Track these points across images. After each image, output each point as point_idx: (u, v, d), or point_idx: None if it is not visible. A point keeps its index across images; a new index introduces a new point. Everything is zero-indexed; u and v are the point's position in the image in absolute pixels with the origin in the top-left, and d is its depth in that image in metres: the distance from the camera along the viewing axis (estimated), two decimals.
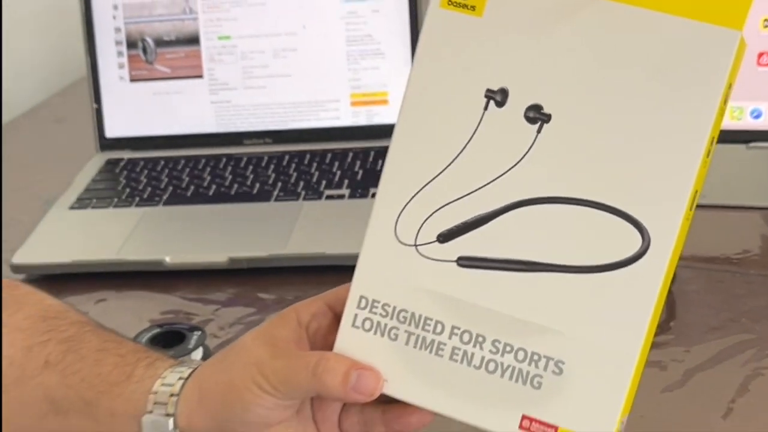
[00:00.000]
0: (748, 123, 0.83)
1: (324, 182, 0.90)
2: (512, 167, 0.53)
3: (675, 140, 0.51)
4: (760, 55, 0.83)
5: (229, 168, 0.95)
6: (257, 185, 0.92)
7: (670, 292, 0.53)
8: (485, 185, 0.53)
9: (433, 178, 0.54)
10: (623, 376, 0.51)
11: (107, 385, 0.61)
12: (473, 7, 0.53)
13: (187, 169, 0.96)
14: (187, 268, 0.82)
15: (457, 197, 0.54)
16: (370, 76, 0.95)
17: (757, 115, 0.84)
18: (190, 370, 0.60)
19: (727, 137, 0.83)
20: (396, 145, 0.54)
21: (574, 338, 0.52)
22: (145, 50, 1.00)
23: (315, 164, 0.93)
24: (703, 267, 0.78)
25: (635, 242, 0.51)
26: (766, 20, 0.83)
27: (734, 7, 0.50)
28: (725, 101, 0.50)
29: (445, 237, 0.54)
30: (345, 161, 0.92)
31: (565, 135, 0.52)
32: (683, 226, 0.50)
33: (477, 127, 0.53)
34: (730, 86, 0.50)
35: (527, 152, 0.52)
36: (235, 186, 0.92)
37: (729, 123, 0.83)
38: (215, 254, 0.82)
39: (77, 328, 0.65)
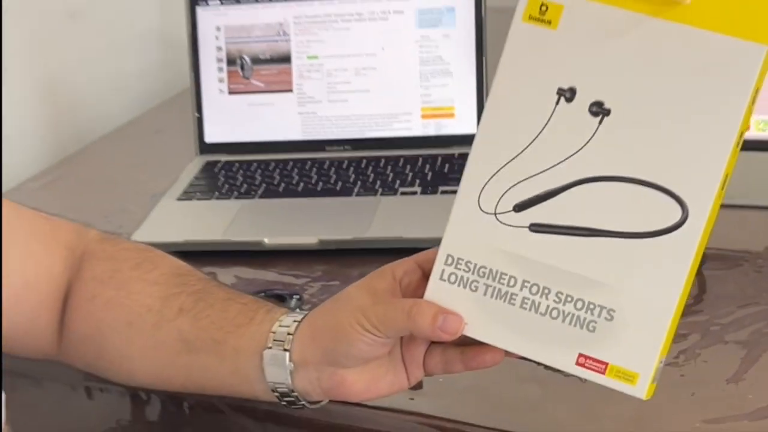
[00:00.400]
0: None
1: (398, 181, 1.02)
2: (577, 151, 0.63)
3: (711, 134, 0.61)
4: None
5: (314, 170, 1.07)
6: (339, 183, 1.04)
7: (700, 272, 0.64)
8: (554, 166, 0.63)
9: (511, 159, 0.64)
10: (663, 324, 0.62)
11: (233, 326, 0.73)
12: (549, 22, 0.64)
13: (277, 170, 1.08)
14: (282, 248, 0.94)
15: (530, 175, 0.63)
16: (439, 93, 1.07)
17: None
18: (302, 315, 0.71)
19: (754, 146, 0.94)
20: (482, 132, 0.66)
21: (623, 291, 0.62)
22: (242, 67, 1.13)
23: (390, 167, 1.05)
24: (730, 256, 0.89)
25: (676, 214, 0.61)
26: None
27: (762, 26, 0.61)
28: (753, 102, 0.61)
29: (519, 207, 0.64)
30: (416, 165, 1.04)
31: (621, 126, 0.62)
32: (716, 203, 0.61)
33: (549, 118, 0.63)
34: (757, 90, 0.60)
35: (590, 139, 0.63)
36: (321, 184, 1.04)
37: (755, 134, 0.95)
38: (307, 237, 0.94)
39: (204, 283, 0.78)
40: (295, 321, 0.70)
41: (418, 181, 1.01)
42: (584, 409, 0.72)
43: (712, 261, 0.82)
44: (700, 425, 0.69)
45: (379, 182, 1.02)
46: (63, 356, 0.79)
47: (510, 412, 0.73)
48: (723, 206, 0.61)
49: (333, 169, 1.06)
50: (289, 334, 0.70)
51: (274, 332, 0.71)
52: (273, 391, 0.70)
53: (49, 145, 1.26)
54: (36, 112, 1.26)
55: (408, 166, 1.04)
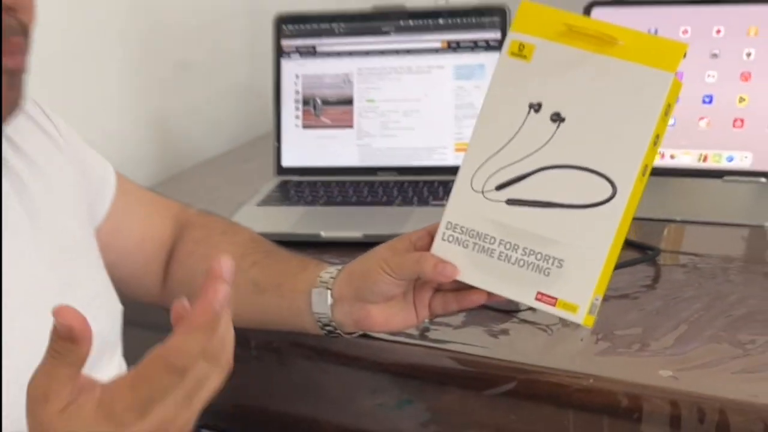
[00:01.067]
0: (724, 164, 1.16)
1: (431, 196, 1.25)
2: (541, 147, 0.81)
3: (634, 135, 0.79)
4: (735, 120, 1.16)
5: (366, 188, 1.31)
6: (384, 197, 1.27)
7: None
8: (524, 158, 0.82)
9: (495, 153, 0.84)
10: (596, 270, 0.79)
11: (291, 274, 0.96)
12: (525, 56, 0.86)
13: (337, 188, 1.32)
14: (334, 240, 1.16)
15: (507, 164, 0.82)
16: (469, 131, 1.27)
17: (729, 159, 1.17)
18: (342, 266, 0.94)
19: (711, 174, 1.16)
20: (475, 133, 0.87)
21: (570, 246, 0.80)
22: (314, 107, 1.38)
23: (426, 187, 1.28)
24: (695, 261, 1.07)
25: (607, 192, 0.79)
26: (741, 98, 1.17)
27: (672, 57, 0.79)
28: (665, 113, 0.81)
29: (500, 187, 0.83)
30: (447, 186, 1.27)
31: (572, 130, 0.81)
32: (636, 186, 0.79)
33: (522, 124, 0.83)
34: (669, 105, 0.80)
35: (550, 139, 0.81)
36: (369, 197, 1.28)
37: (712, 164, 1.17)
38: (354, 232, 1.17)
39: (272, 246, 1.01)
40: (336, 269, 0.93)
41: (447, 196, 1.24)
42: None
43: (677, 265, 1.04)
44: None
45: (416, 197, 1.26)
46: (164, 299, 1.03)
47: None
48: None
49: (381, 188, 1.30)
50: (331, 277, 0.93)
51: (320, 277, 0.93)
52: (317, 321, 0.92)
53: (157, 168, 1.51)
54: (149, 141, 1.52)
55: (441, 187, 1.28)
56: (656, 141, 0.81)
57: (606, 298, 0.82)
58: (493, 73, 0.86)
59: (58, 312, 0.58)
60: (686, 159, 1.19)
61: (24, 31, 0.75)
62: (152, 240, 1.01)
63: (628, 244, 1.03)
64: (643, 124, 0.80)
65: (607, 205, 0.80)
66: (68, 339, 0.58)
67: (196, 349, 0.60)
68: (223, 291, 0.62)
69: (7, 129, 0.84)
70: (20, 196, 0.83)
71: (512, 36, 0.85)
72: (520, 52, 0.84)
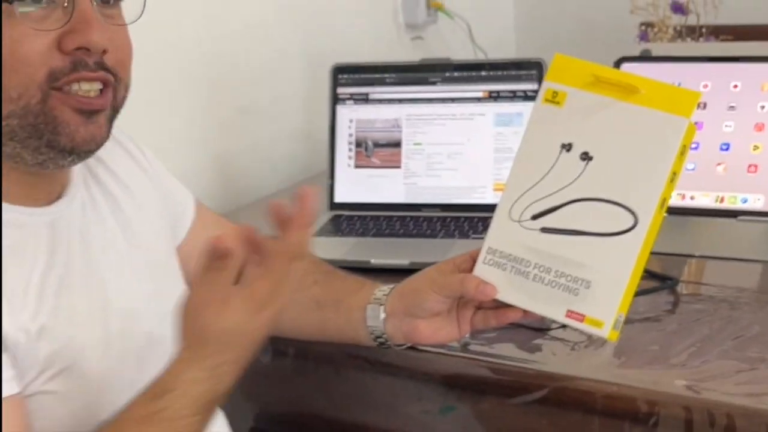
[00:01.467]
0: (738, 205, 1.27)
1: (471, 231, 1.37)
2: (571, 182, 0.91)
3: (653, 173, 0.89)
4: (749, 166, 1.27)
5: (411, 222, 1.43)
6: (428, 230, 1.39)
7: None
8: (557, 191, 0.92)
9: (531, 187, 0.93)
10: (620, 290, 0.89)
11: (349, 292, 1.07)
12: (558, 103, 0.96)
13: (385, 221, 1.44)
14: (383, 267, 1.27)
15: (542, 197, 0.92)
16: (507, 172, 1.39)
17: (744, 200, 1.27)
18: (394, 285, 1.05)
19: (726, 214, 1.27)
20: (513, 169, 0.95)
21: (596, 269, 0.89)
22: (366, 149, 1.50)
23: (467, 223, 1.40)
24: (710, 291, 1.17)
25: (630, 222, 0.89)
26: (755, 146, 1.28)
27: (687, 104, 0.89)
28: (682, 154, 0.89)
29: (535, 217, 0.93)
30: (486, 222, 1.37)
31: (598, 167, 0.91)
32: (655, 217, 0.89)
33: (555, 162, 0.93)
34: (684, 146, 0.88)
35: (579, 175, 0.91)
36: (415, 230, 1.40)
37: (728, 205, 1.27)
38: (401, 259, 1.28)
39: (331, 267, 1.13)
40: (389, 287, 1.04)
41: (486, 231, 1.35)
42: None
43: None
44: None
45: (457, 231, 1.37)
46: None
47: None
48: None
49: (425, 222, 1.41)
50: (384, 295, 1.03)
51: (374, 294, 1.04)
52: (371, 334, 1.03)
53: (220, 202, 1.62)
54: (212, 177, 1.63)
55: (480, 223, 1.39)
56: (673, 178, 0.90)
57: (629, 321, 0.92)
58: (529, 116, 0.97)
59: (218, 239, 0.79)
60: (704, 200, 1.30)
61: (108, 70, 0.85)
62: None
63: (650, 275, 1.15)
64: (661, 163, 0.90)
65: (629, 233, 0.90)
66: (224, 256, 0.79)
67: (307, 241, 0.83)
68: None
69: (103, 155, 0.96)
70: (115, 215, 0.96)
71: (547, 84, 0.95)
72: (554, 98, 0.95)
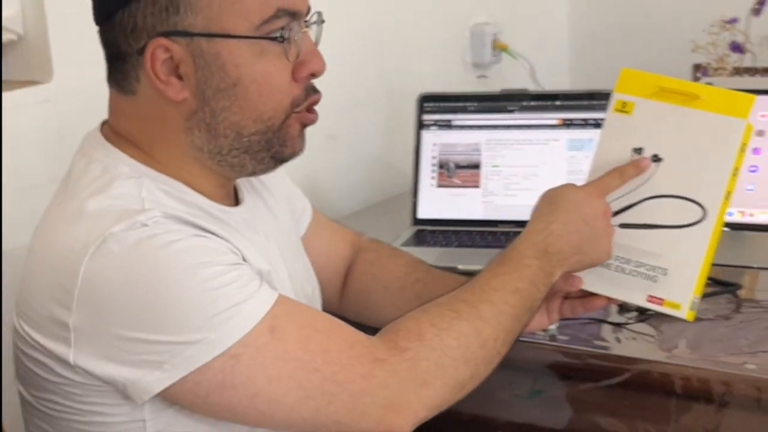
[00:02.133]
0: None
1: None
2: (645, 182, 1.01)
3: (717, 169, 0.98)
4: None
5: (489, 236, 1.55)
6: (507, 242, 1.50)
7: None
8: (632, 191, 1.02)
9: None
10: (694, 275, 0.99)
11: (448, 287, 1.13)
12: (627, 112, 1.03)
13: (465, 235, 1.56)
14: (470, 271, 1.39)
15: (619, 196, 1.02)
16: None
17: None
18: None
19: None
20: (590, 175, 1.04)
21: (672, 257, 1.00)
22: (448, 170, 1.63)
23: None
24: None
25: (698, 214, 0.99)
26: None
27: (744, 107, 0.98)
28: (742, 151, 0.98)
29: (613, 214, 1.02)
30: None
31: (669, 167, 1.00)
32: (722, 208, 0.99)
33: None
34: (744, 144, 0.98)
35: (651, 175, 1.01)
36: (494, 243, 1.51)
37: None
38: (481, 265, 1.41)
39: (430, 267, 1.24)
40: None
41: None
42: None
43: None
44: None
45: None
46: (342, 309, 1.26)
47: None
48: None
49: (503, 236, 1.54)
50: None
51: None
52: None
53: None
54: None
55: None
56: (735, 173, 1.00)
57: (700, 317, 1.03)
58: (603, 125, 1.07)
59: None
60: (763, 217, 1.42)
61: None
62: (335, 258, 1.26)
63: (714, 282, 1.26)
64: (724, 161, 1.00)
65: (700, 224, 1.01)
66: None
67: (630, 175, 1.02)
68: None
69: None
70: (269, 208, 1.10)
71: (616, 96, 1.05)
72: (623, 108, 1.05)
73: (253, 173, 1.01)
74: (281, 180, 1.18)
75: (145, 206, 0.91)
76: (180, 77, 0.94)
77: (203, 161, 0.98)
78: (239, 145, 0.96)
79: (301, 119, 0.99)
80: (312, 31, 1.00)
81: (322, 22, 1.02)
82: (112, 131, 0.99)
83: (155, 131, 0.97)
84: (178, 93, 0.94)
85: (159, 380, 0.87)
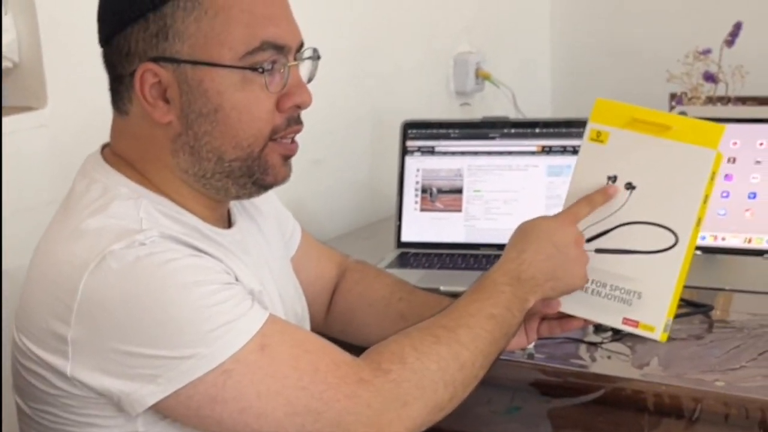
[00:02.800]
0: (764, 245, 1.44)
1: None
2: (619, 209, 1.05)
3: (688, 198, 1.02)
4: None
5: (471, 259, 1.59)
6: (488, 265, 1.53)
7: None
8: (607, 217, 1.06)
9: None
10: (667, 299, 1.04)
11: (431, 306, 1.20)
12: (602, 141, 1.07)
13: (447, 258, 1.60)
14: (451, 292, 1.43)
15: (594, 222, 1.06)
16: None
17: None
18: None
19: (754, 253, 1.43)
20: (567, 201, 1.08)
21: (646, 282, 1.04)
22: (430, 194, 1.67)
23: None
24: (740, 316, 1.32)
25: (671, 240, 1.03)
26: None
27: (713, 136, 1.02)
28: (712, 180, 1.02)
29: (589, 240, 1.07)
30: None
31: (642, 195, 1.04)
32: (693, 234, 1.03)
33: None
34: (714, 173, 1.02)
35: (625, 202, 1.05)
36: (475, 265, 1.56)
37: (755, 245, 1.44)
38: (468, 287, 1.45)
39: (413, 287, 1.29)
40: None
41: None
42: None
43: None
44: None
45: None
46: (327, 328, 1.30)
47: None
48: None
49: (484, 259, 1.58)
50: None
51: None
52: None
53: None
54: None
55: None
56: (705, 200, 1.05)
57: (672, 338, 1.08)
58: (579, 154, 1.10)
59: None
60: (734, 241, 1.46)
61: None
62: (322, 278, 1.30)
63: (687, 303, 1.31)
64: (695, 189, 1.04)
65: (672, 249, 1.05)
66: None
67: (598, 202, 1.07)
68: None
69: None
70: (260, 230, 1.14)
71: (591, 125, 1.09)
72: (598, 137, 1.09)
73: (238, 197, 1.05)
74: (271, 202, 1.22)
75: (143, 226, 0.95)
76: (167, 101, 0.99)
77: (191, 183, 1.02)
78: (221, 169, 1.00)
79: (279, 150, 1.02)
80: (304, 65, 1.04)
81: (318, 58, 1.06)
82: (112, 152, 1.04)
83: (147, 151, 1.01)
84: (164, 115, 0.99)
85: (153, 393, 0.91)
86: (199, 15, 0.97)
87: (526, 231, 1.09)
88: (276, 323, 0.96)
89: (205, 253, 0.96)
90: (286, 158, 1.04)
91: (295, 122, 1.03)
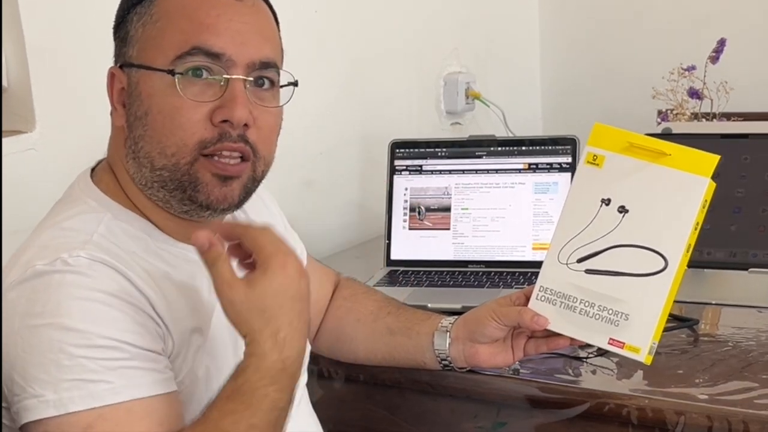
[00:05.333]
0: (749, 259, 1.44)
1: (514, 283, 1.53)
2: (610, 231, 1.06)
3: (680, 223, 1.03)
4: (759, 226, 1.45)
5: (460, 276, 1.59)
6: (476, 282, 1.55)
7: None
8: (598, 239, 1.07)
9: (576, 235, 1.08)
10: (654, 322, 1.04)
11: (418, 321, 1.23)
12: (598, 164, 1.08)
13: (436, 275, 1.60)
14: (439, 310, 1.43)
15: (585, 243, 1.07)
16: (545, 233, 1.57)
17: (754, 255, 1.44)
18: (458, 316, 1.21)
19: (739, 267, 1.43)
20: (560, 220, 1.09)
21: (634, 304, 1.04)
22: (419, 213, 1.67)
23: (509, 276, 1.56)
24: (726, 329, 1.33)
25: (660, 264, 1.04)
26: (763, 209, 1.45)
27: (707, 165, 1.03)
28: (704, 207, 1.03)
29: (580, 260, 1.08)
30: (526, 275, 1.55)
31: (634, 218, 1.05)
32: (682, 260, 1.03)
33: (596, 214, 1.08)
34: (706, 201, 1.02)
35: (617, 225, 1.06)
36: (463, 282, 1.56)
37: (740, 259, 1.44)
38: (454, 304, 1.43)
39: (401, 303, 1.29)
40: (454, 317, 1.20)
41: (527, 282, 1.52)
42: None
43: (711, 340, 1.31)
44: None
45: (501, 282, 1.54)
46: (315, 346, 1.30)
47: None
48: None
49: (472, 276, 1.58)
50: (449, 323, 1.19)
51: (441, 323, 1.19)
52: (437, 357, 1.18)
53: None
54: None
55: (521, 276, 1.55)
56: (696, 227, 1.06)
57: (659, 352, 1.07)
58: (574, 176, 1.12)
59: (198, 236, 0.90)
60: (720, 254, 1.46)
61: (248, 144, 0.97)
62: (321, 299, 1.30)
63: (674, 318, 1.31)
64: (686, 216, 1.05)
65: (661, 274, 1.05)
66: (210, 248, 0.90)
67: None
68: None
69: (247, 206, 1.08)
70: None
71: (588, 149, 1.10)
72: (594, 161, 1.10)
73: (187, 213, 1.00)
74: (279, 223, 1.22)
75: (92, 240, 0.94)
76: (125, 105, 1.01)
77: (145, 193, 1.00)
78: (155, 177, 0.98)
79: (210, 167, 0.97)
80: (285, 90, 1.01)
81: (293, 84, 1.02)
82: (102, 164, 1.06)
83: (115, 158, 1.03)
84: (118, 119, 1.02)
85: (7, 417, 0.92)
86: (146, 20, 0.99)
87: (261, 305, 0.91)
88: (129, 412, 0.88)
89: (137, 287, 0.93)
90: (222, 178, 0.98)
91: (230, 139, 0.97)
